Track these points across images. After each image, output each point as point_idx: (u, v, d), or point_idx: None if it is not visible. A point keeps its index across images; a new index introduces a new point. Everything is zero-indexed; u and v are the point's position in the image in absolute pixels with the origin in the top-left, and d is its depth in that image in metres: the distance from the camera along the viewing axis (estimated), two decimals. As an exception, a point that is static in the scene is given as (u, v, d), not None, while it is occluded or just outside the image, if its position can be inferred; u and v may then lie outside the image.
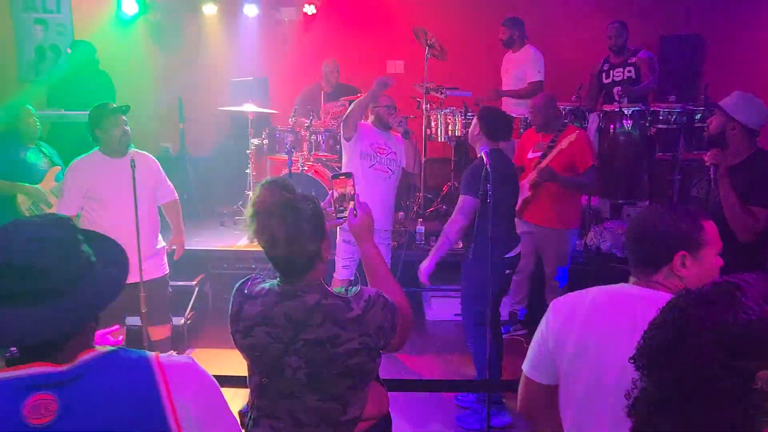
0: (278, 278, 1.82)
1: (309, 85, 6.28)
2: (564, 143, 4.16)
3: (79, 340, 1.25)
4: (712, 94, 5.49)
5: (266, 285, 1.81)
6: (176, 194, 4.09)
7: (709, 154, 2.99)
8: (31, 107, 4.46)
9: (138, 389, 1.23)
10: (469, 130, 3.69)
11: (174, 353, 4.15)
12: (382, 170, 4.31)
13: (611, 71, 5.56)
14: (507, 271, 3.57)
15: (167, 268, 4.01)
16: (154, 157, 3.95)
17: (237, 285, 1.86)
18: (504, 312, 4.80)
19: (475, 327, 3.58)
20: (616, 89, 5.28)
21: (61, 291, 1.21)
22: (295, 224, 1.71)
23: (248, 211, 1.78)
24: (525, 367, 1.76)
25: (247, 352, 1.80)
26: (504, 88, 5.78)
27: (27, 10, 7.03)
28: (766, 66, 6.66)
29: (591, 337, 1.58)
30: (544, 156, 4.24)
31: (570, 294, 1.72)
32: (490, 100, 5.48)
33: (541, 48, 5.64)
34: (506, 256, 3.51)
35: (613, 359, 1.51)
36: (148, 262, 3.81)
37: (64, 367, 1.21)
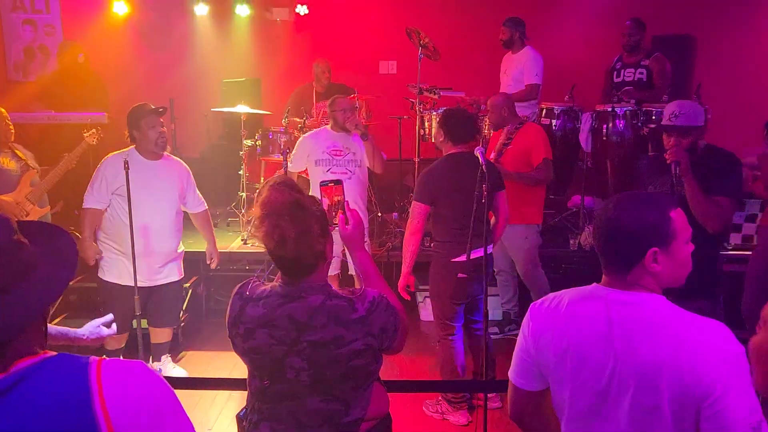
0: (280, 280, 1.80)
1: (301, 85, 6.26)
2: (518, 139, 4.28)
3: (16, 347, 1.16)
4: (705, 94, 5.52)
5: (267, 287, 1.80)
6: (206, 205, 4.17)
7: (669, 152, 3.00)
8: (2, 110, 4.18)
9: (70, 397, 1.14)
10: (434, 135, 3.80)
11: (169, 360, 4.15)
12: (341, 172, 4.33)
13: (623, 70, 5.57)
14: (459, 275, 3.53)
15: (182, 272, 4.08)
16: (186, 165, 4.01)
17: (236, 288, 1.84)
18: (496, 313, 4.82)
19: (438, 327, 3.76)
20: (625, 89, 5.31)
21: None
22: (304, 224, 1.71)
23: (255, 212, 1.76)
24: (511, 375, 1.74)
25: (248, 355, 1.78)
26: (502, 88, 5.75)
27: (15, 10, 6.97)
28: (756, 66, 6.72)
29: (570, 342, 1.57)
30: (499, 154, 4.33)
31: (546, 298, 1.69)
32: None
33: (533, 47, 5.64)
34: (454, 260, 3.51)
35: (593, 363, 1.53)
36: (169, 265, 3.90)
37: None
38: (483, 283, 3.27)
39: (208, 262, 4.21)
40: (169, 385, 1.27)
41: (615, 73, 5.61)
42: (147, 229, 3.73)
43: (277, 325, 1.72)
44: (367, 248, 4.36)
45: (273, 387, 1.77)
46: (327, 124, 5.41)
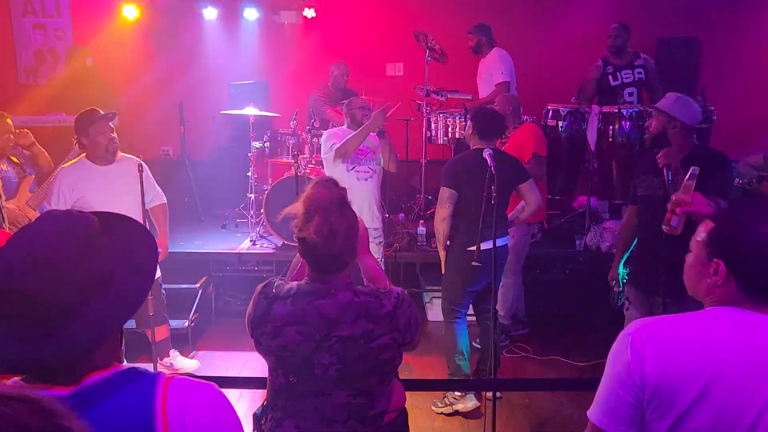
0: (306, 278, 1.85)
1: (316, 88, 6.29)
2: (514, 138, 4.38)
3: (91, 361, 1.15)
4: (710, 96, 5.55)
5: (293, 285, 1.84)
6: (164, 198, 4.09)
7: (660, 155, 3.07)
8: (8, 119, 4.19)
9: (133, 419, 1.13)
10: (465, 127, 3.92)
11: (177, 354, 4.19)
12: (363, 171, 4.33)
13: (618, 73, 5.60)
14: (473, 263, 3.62)
15: (158, 271, 4.04)
16: (141, 161, 3.82)
17: (258, 288, 1.87)
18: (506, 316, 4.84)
19: (445, 313, 3.88)
20: (627, 90, 5.33)
21: (58, 321, 1.10)
22: (352, 219, 1.82)
23: (299, 208, 1.80)
24: (596, 416, 1.39)
25: (276, 353, 1.81)
26: (480, 93, 5.83)
27: (26, 14, 7.06)
28: (762, 67, 6.73)
29: (713, 375, 1.29)
30: None
31: (654, 323, 1.38)
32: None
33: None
34: (470, 248, 3.63)
35: (740, 400, 1.28)
36: None
37: (66, 392, 1.11)
38: (492, 274, 3.36)
39: None
40: (235, 410, 1.24)
41: (611, 77, 5.63)
42: None
43: (307, 322, 1.76)
44: (381, 249, 4.45)
45: (299, 384, 1.81)
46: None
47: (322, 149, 4.36)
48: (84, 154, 3.72)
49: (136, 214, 3.71)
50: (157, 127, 6.86)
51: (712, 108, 5.42)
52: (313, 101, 6.18)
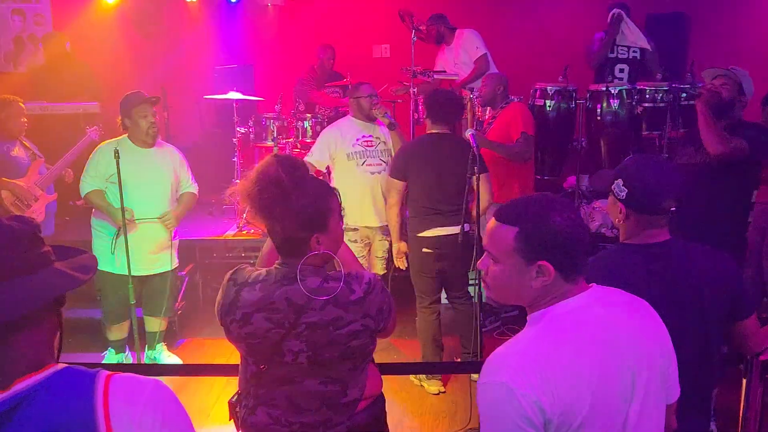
0: (276, 264, 1.80)
1: (303, 71, 6.21)
2: (501, 117, 4.35)
3: (15, 362, 1.09)
4: (698, 72, 5.50)
5: (262, 271, 1.79)
6: (196, 188, 4.14)
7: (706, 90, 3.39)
8: (21, 103, 4.48)
9: (73, 419, 1.07)
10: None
11: (164, 348, 4.16)
12: (376, 163, 4.15)
13: (616, 47, 5.54)
14: (423, 249, 3.67)
15: (177, 261, 4.08)
16: (179, 151, 4.03)
17: (228, 275, 1.82)
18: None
19: (417, 300, 3.90)
20: (619, 66, 5.28)
21: None
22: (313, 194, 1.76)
23: (251, 187, 1.73)
24: None
25: (245, 340, 1.77)
26: (461, 76, 5.75)
27: (4, 0, 6.91)
28: (750, 43, 6.68)
29: (597, 378, 1.33)
30: (483, 133, 4.37)
31: (518, 358, 1.32)
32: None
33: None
34: (419, 235, 3.68)
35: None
36: (162, 254, 3.93)
37: None
38: (458, 261, 3.35)
39: (158, 218, 3.92)
40: (182, 405, 1.20)
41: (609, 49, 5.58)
42: (142, 216, 3.73)
43: (275, 308, 1.72)
44: (384, 242, 4.33)
45: (270, 371, 1.77)
46: (327, 112, 5.33)
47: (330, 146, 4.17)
48: (126, 134, 3.82)
49: (164, 202, 3.87)
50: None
51: (701, 84, 5.37)
52: (299, 84, 6.10)
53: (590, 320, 1.38)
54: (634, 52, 5.52)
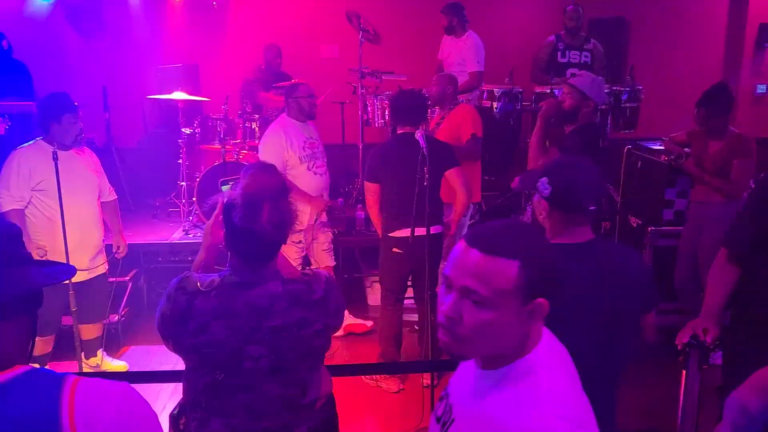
0: (228, 269, 1.76)
1: (249, 71, 6.11)
2: (450, 118, 4.38)
3: None
4: (638, 75, 5.71)
5: (215, 277, 1.74)
6: (115, 193, 4.04)
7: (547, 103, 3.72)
8: None
9: (39, 420, 1.06)
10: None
11: (104, 354, 4.03)
12: (320, 164, 4.22)
13: (567, 51, 5.67)
14: (394, 249, 3.72)
15: (107, 264, 3.96)
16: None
17: (173, 284, 1.74)
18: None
19: (382, 297, 3.96)
20: (569, 70, 5.41)
21: None
22: (293, 206, 1.76)
23: (239, 198, 1.68)
24: None
25: (199, 350, 1.70)
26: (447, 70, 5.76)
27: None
28: (687, 48, 6.97)
29: None
30: (432, 133, 4.39)
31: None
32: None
33: (474, 30, 5.66)
34: (390, 234, 3.74)
35: None
36: (96, 258, 3.80)
37: None
38: (425, 262, 3.35)
39: (114, 252, 3.95)
40: (152, 410, 1.19)
41: (559, 53, 5.71)
42: (76, 221, 3.55)
43: (235, 315, 1.68)
44: (328, 234, 4.37)
45: (227, 380, 1.73)
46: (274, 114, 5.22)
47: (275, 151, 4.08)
48: (40, 138, 3.58)
49: (94, 204, 3.73)
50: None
51: (640, 87, 5.56)
52: (246, 85, 6.00)
53: (565, 354, 1.26)
54: (585, 56, 5.66)
